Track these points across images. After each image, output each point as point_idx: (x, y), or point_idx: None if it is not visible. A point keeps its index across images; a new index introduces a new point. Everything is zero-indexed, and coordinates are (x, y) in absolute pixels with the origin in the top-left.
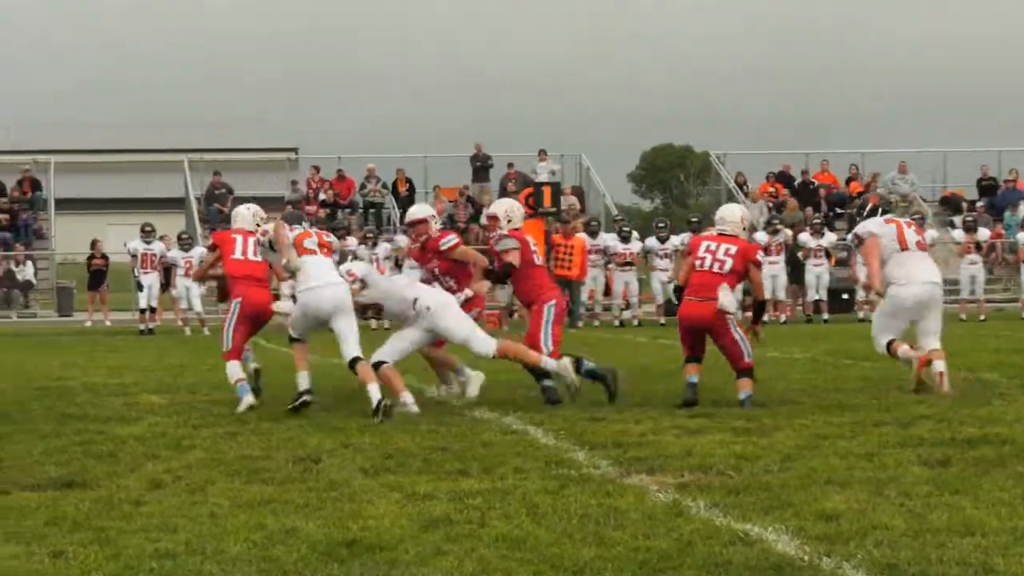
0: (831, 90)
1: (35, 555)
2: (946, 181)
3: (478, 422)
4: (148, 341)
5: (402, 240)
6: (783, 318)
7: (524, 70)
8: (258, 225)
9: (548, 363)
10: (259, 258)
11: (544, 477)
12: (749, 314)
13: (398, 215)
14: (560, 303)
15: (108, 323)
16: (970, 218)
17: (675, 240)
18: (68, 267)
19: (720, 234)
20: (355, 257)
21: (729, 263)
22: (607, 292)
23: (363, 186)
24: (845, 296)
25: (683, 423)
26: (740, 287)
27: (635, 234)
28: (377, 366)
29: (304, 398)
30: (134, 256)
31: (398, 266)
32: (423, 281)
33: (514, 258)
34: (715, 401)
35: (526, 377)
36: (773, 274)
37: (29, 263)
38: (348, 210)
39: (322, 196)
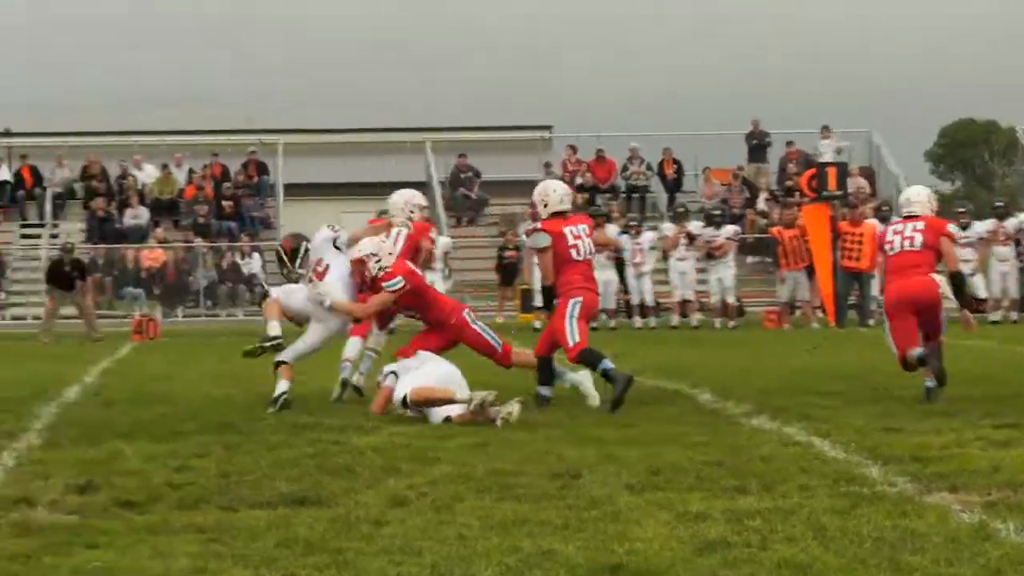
0: None
1: None
2: None
3: (757, 433)
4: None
5: (669, 228)
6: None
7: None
8: (411, 214)
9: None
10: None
11: (832, 495)
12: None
13: (665, 200)
14: (588, 301)
15: None
16: None
17: (977, 227)
18: None
19: (908, 216)
20: (617, 249)
21: (919, 238)
22: None
23: (625, 168)
24: None
25: (988, 434)
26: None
27: None
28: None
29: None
30: None
31: (665, 257)
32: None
33: (542, 265)
34: None
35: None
36: None
37: (256, 255)
38: (608, 195)
39: (579, 180)
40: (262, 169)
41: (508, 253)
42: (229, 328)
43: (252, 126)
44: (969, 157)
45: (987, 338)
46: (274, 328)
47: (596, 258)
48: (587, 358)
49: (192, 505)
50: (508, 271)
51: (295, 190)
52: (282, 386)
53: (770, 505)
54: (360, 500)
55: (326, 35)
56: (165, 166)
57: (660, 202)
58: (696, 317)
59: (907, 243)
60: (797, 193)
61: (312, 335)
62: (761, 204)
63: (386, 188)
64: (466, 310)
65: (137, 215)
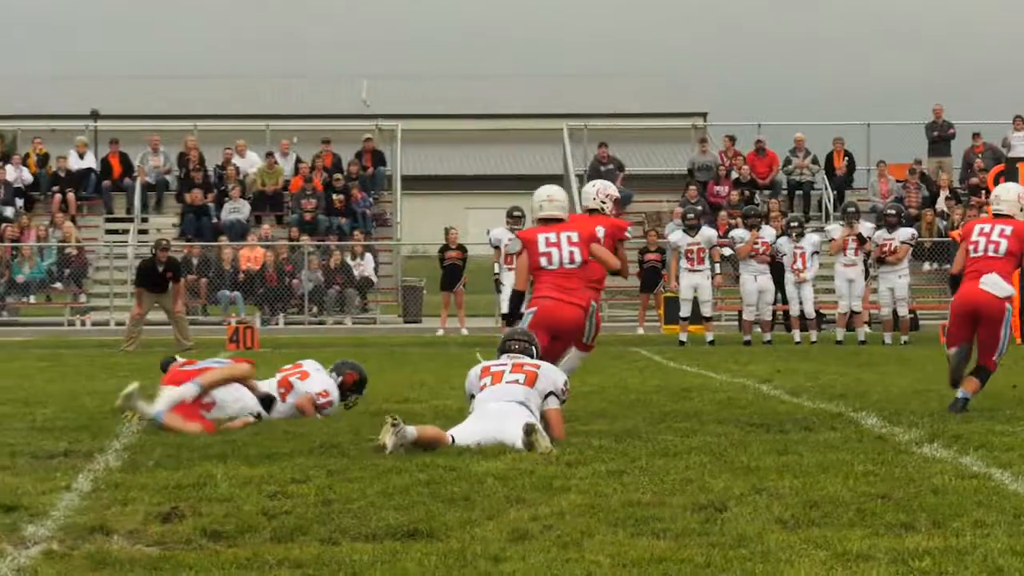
0: None
1: None
2: None
3: (928, 462)
4: None
5: (836, 230)
6: None
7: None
8: (603, 204)
9: None
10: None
11: (1012, 534)
12: None
13: (832, 198)
14: (543, 310)
15: (465, 331)
16: None
17: None
18: (417, 261)
19: (996, 216)
20: (778, 254)
21: (1004, 244)
22: None
23: (788, 161)
24: None
25: None
26: None
27: None
28: None
29: None
30: (497, 248)
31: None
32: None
33: (515, 271)
34: None
35: None
36: None
37: (368, 256)
38: (768, 192)
39: (734, 175)
40: (378, 159)
41: (649, 256)
42: (336, 338)
43: (368, 110)
44: None
45: None
46: None
47: (750, 264)
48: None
49: (288, 537)
50: (650, 276)
51: (415, 183)
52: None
53: (941, 544)
54: (477, 533)
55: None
56: (270, 154)
57: (827, 200)
58: (864, 331)
59: (992, 248)
60: (983, 192)
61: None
62: (941, 204)
63: (514, 181)
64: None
65: (237, 209)
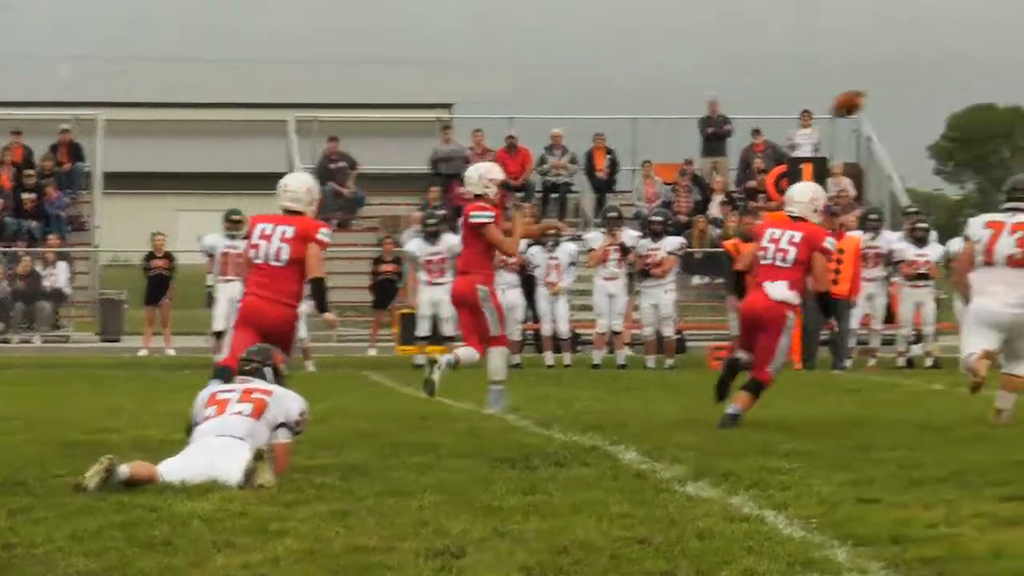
0: None
1: None
2: None
3: (693, 502)
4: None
5: (595, 239)
6: None
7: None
8: (486, 188)
9: None
10: None
11: None
12: None
13: (592, 202)
14: (243, 307)
15: (171, 351)
16: None
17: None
18: (117, 271)
19: (789, 217)
20: (529, 265)
21: (792, 252)
22: (889, 318)
23: (543, 160)
24: None
25: (990, 510)
26: None
27: (934, 234)
28: None
29: None
30: (211, 256)
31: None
32: None
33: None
34: None
35: None
36: None
37: (62, 264)
38: (521, 194)
39: None
40: (76, 153)
41: (384, 267)
42: (22, 357)
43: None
44: (984, 154)
45: None
46: None
47: (500, 275)
48: (219, 374)
49: None
50: (384, 290)
51: (118, 181)
52: None
53: None
54: None
55: None
56: None
57: (586, 204)
58: (624, 353)
59: (780, 256)
60: (761, 196)
61: None
62: (715, 209)
63: (233, 180)
64: None
65: None
